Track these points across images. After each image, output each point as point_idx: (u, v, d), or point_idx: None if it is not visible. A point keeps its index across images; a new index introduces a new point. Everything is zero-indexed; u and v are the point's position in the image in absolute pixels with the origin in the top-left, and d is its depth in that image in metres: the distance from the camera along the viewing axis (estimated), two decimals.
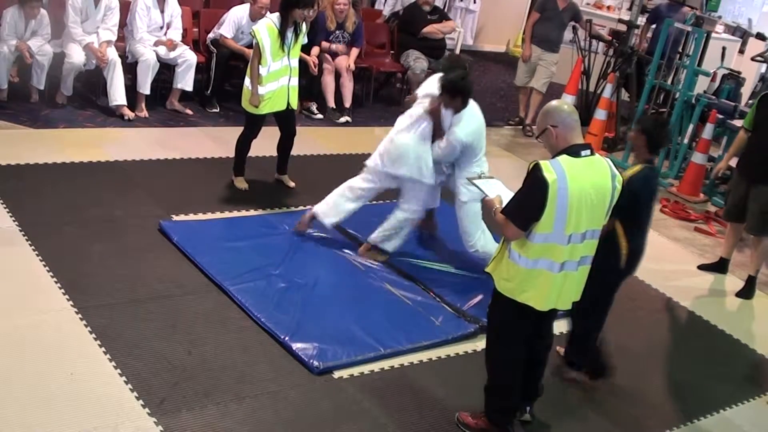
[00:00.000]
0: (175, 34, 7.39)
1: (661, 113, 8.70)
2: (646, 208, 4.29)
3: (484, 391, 3.89)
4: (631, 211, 4.12)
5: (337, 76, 8.27)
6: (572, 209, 3.45)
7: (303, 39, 6.11)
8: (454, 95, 5.04)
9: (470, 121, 5.14)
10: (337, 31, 8.24)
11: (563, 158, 3.49)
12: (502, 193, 3.82)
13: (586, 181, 3.48)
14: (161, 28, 7.33)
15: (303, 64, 6.40)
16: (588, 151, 3.54)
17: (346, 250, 5.47)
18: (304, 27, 6.06)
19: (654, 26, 9.65)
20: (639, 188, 4.14)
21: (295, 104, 6.15)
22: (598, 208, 3.56)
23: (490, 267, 3.75)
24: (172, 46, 7.27)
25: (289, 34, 5.87)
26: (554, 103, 3.68)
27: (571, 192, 3.43)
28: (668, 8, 9.56)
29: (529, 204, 3.49)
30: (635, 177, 4.17)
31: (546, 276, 3.56)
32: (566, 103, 3.70)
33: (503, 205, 3.64)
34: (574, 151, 3.51)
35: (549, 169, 3.42)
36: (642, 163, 4.29)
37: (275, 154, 6.38)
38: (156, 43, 7.23)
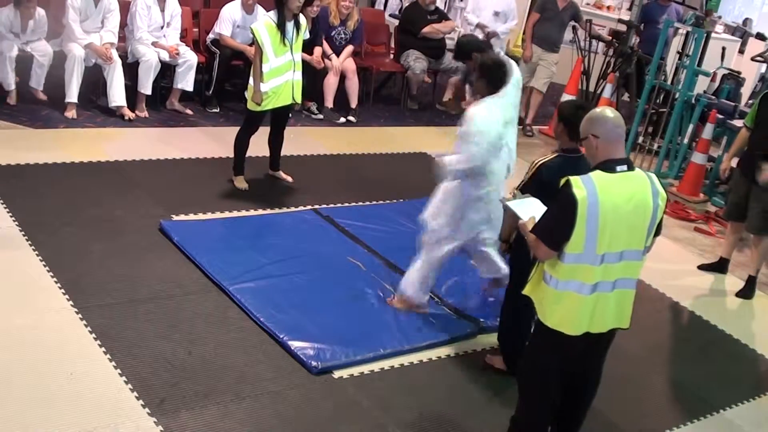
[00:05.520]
0: (174, 34, 7.38)
1: (660, 113, 8.70)
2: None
3: (510, 420, 3.77)
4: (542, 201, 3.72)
5: (341, 77, 8.27)
6: (604, 228, 3.26)
7: (305, 33, 6.08)
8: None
9: None
10: (339, 27, 8.25)
11: (596, 174, 3.31)
12: (538, 212, 3.56)
13: (621, 198, 3.28)
14: (161, 27, 7.32)
15: (305, 63, 6.38)
16: (625, 167, 3.33)
17: (346, 251, 5.47)
18: (303, 20, 6.02)
19: (643, 26, 9.66)
20: (551, 178, 3.72)
21: (299, 98, 6.14)
22: (637, 227, 3.36)
23: (528, 289, 3.57)
24: (174, 52, 7.26)
25: (290, 27, 5.83)
26: (599, 110, 3.45)
27: (603, 209, 3.24)
28: (656, 7, 9.55)
29: (558, 222, 3.32)
30: (546, 165, 3.93)
31: (575, 298, 3.37)
32: (613, 111, 3.44)
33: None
34: (609, 166, 3.32)
35: (579, 186, 3.25)
36: (559, 152, 3.99)
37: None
38: (155, 44, 7.23)
